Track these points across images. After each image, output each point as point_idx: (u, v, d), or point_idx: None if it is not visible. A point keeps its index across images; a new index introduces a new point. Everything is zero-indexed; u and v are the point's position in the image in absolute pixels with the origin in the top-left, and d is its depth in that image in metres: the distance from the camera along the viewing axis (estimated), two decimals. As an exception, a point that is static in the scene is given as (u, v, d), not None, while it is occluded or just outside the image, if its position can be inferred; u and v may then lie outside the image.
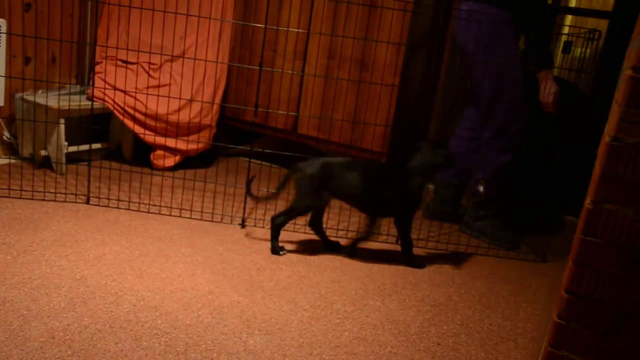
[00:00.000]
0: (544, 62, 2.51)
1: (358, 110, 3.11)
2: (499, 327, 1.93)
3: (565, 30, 3.97)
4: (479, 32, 2.48)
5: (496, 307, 2.09)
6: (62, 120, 2.74)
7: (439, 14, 3.51)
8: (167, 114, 2.99)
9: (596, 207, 1.22)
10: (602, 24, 3.37)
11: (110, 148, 3.21)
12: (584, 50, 3.00)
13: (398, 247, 2.52)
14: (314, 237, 2.48)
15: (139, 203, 2.56)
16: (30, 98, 2.78)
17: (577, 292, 1.27)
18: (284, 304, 1.87)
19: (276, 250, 2.26)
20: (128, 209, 2.49)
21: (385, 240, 2.58)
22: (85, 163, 2.96)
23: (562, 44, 3.25)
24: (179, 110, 3.02)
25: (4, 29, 2.67)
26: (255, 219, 2.61)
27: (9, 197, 2.42)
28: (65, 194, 2.55)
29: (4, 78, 2.72)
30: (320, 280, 2.08)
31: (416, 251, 2.51)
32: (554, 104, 2.53)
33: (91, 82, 3.03)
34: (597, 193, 1.21)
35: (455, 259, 2.50)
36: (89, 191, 2.58)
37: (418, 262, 2.35)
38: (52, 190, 2.56)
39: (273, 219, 2.29)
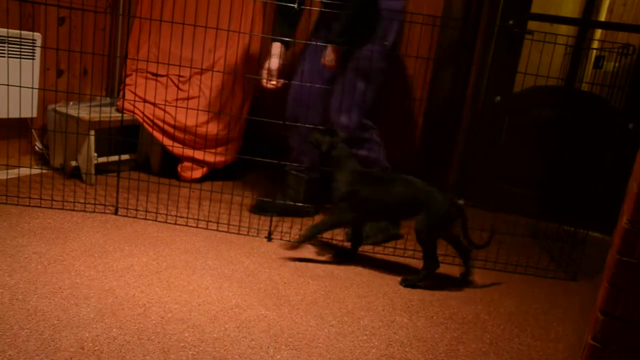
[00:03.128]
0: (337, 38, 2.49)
1: (386, 124, 3.09)
2: (529, 348, 1.89)
3: (595, 44, 3.92)
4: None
5: (526, 326, 2.05)
6: (92, 132, 2.78)
7: (467, 28, 3.51)
8: (196, 126, 3.02)
9: (633, 226, 1.19)
10: (633, 38, 3.32)
11: (139, 159, 3.25)
12: (616, 65, 2.95)
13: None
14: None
15: (167, 215, 2.58)
16: (62, 109, 2.84)
17: (612, 313, 1.23)
18: (310, 318, 1.86)
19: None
20: (155, 221, 2.51)
21: (412, 255, 2.55)
22: (114, 174, 3.00)
23: (593, 59, 3.21)
24: (207, 122, 3.05)
25: (39, 43, 2.73)
26: (281, 232, 2.61)
27: (40, 206, 2.46)
28: (95, 204, 2.59)
29: (37, 90, 2.78)
30: (347, 296, 2.07)
31: (442, 266, 2.48)
32: (329, 62, 2.48)
33: (121, 94, 3.07)
34: (635, 212, 1.19)
35: (483, 275, 2.46)
36: (117, 202, 2.61)
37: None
38: (82, 201, 2.59)
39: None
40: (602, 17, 4.20)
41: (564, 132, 3.33)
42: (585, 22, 3.45)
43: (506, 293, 2.31)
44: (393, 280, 2.26)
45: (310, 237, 2.31)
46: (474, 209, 3.53)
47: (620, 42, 2.80)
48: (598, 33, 4.14)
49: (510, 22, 3.41)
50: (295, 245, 2.41)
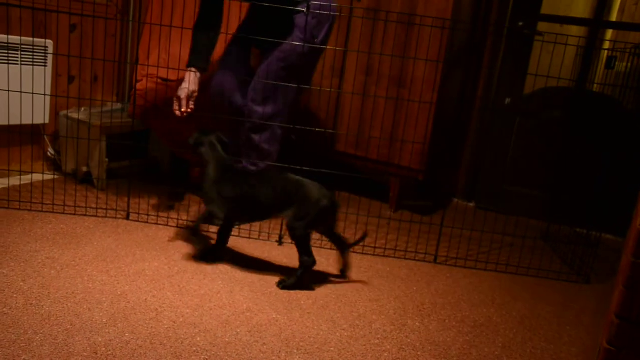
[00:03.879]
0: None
1: (395, 127, 3.09)
2: (542, 351, 1.88)
3: (606, 45, 3.89)
4: None
5: (539, 330, 2.03)
6: (103, 137, 2.80)
7: (476, 30, 3.50)
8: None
9: (648, 229, 1.18)
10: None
11: (149, 164, 3.26)
12: (628, 65, 2.93)
13: (436, 266, 2.49)
14: (351, 253, 2.47)
15: (178, 219, 2.59)
16: (74, 115, 2.86)
17: (628, 317, 1.22)
18: (322, 322, 1.86)
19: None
20: (167, 225, 2.52)
21: (424, 259, 2.55)
22: (125, 179, 3.02)
23: (604, 59, 3.19)
24: (217, 127, 3.05)
25: (51, 50, 2.75)
26: (292, 236, 2.61)
27: (52, 212, 2.48)
28: (106, 209, 2.60)
29: (49, 97, 2.80)
30: (359, 299, 2.07)
31: (453, 269, 2.48)
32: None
33: (132, 99, 3.09)
34: (650, 214, 1.18)
35: (495, 278, 2.45)
36: (128, 207, 2.62)
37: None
38: (94, 206, 2.61)
39: None
40: (614, 17, 4.17)
41: (575, 133, 3.31)
42: (597, 22, 3.43)
43: (518, 296, 2.30)
44: (404, 284, 2.26)
45: (195, 230, 2.35)
46: (485, 212, 3.52)
47: (633, 42, 2.78)
48: (609, 33, 4.11)
49: (520, 23, 3.40)
50: (194, 232, 2.40)
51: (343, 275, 2.27)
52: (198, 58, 2.45)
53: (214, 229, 2.46)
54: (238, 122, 2.63)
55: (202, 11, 2.49)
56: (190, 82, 2.42)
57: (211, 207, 2.18)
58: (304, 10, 2.46)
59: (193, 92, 2.42)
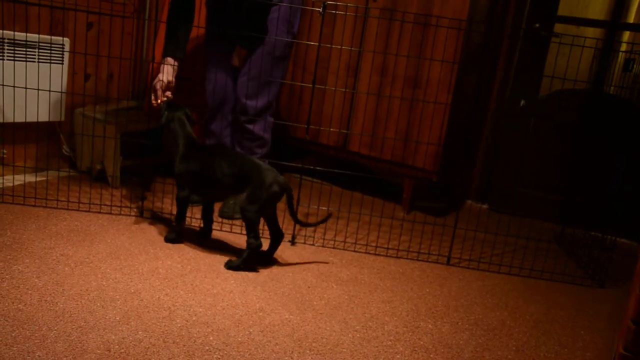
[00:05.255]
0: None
1: (410, 128, 3.08)
2: (556, 355, 1.86)
3: (624, 47, 3.85)
4: None
5: (552, 334, 2.02)
6: (118, 135, 2.82)
7: (492, 31, 3.47)
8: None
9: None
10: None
11: (163, 162, 3.28)
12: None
13: (449, 268, 2.48)
14: (364, 254, 2.46)
15: (190, 217, 2.60)
16: (89, 113, 2.88)
17: (645, 323, 1.21)
18: (335, 323, 1.85)
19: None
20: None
21: (436, 260, 2.54)
22: (139, 176, 3.03)
23: (621, 62, 3.15)
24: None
25: (67, 47, 2.77)
26: (305, 236, 2.61)
27: (67, 209, 2.50)
28: (120, 207, 2.62)
29: (65, 94, 2.82)
30: (371, 300, 2.06)
31: (466, 271, 2.46)
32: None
33: (146, 97, 3.10)
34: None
35: (508, 281, 2.43)
36: (142, 205, 2.63)
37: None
38: (108, 203, 2.62)
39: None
40: (631, 19, 4.13)
41: (590, 136, 3.28)
42: (614, 24, 3.39)
43: (532, 300, 2.28)
44: (417, 285, 2.25)
45: (180, 221, 2.34)
46: (498, 214, 3.50)
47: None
48: (626, 35, 4.07)
49: (537, 24, 3.37)
50: (178, 229, 2.38)
51: (267, 261, 2.29)
52: (174, 48, 2.50)
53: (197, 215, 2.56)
54: (234, 115, 2.74)
55: (175, 1, 2.52)
56: (166, 72, 2.47)
57: (180, 181, 2.28)
58: (279, 3, 2.58)
59: (169, 82, 2.47)
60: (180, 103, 2.40)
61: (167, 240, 2.32)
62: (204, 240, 2.39)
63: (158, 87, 2.45)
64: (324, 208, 2.99)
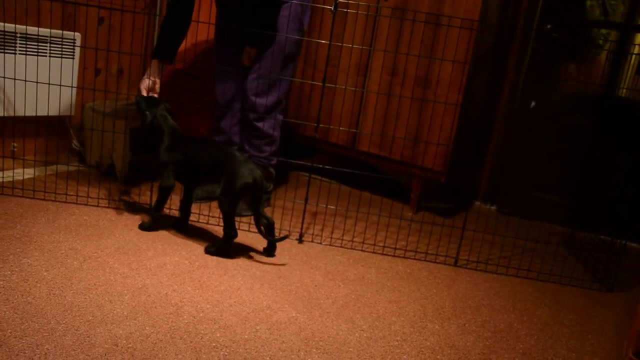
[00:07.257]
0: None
1: (420, 128, 3.07)
2: (563, 359, 1.85)
3: (637, 50, 3.82)
4: None
5: (560, 338, 2.00)
6: (127, 130, 2.82)
7: (504, 33, 3.46)
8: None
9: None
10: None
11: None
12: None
13: (457, 269, 2.47)
14: (371, 254, 2.46)
15: (199, 214, 2.60)
16: (99, 108, 2.88)
17: (656, 329, 1.20)
18: (341, 322, 1.85)
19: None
20: (188, 220, 2.53)
21: (444, 261, 2.53)
22: (148, 172, 3.04)
23: (634, 64, 3.13)
24: (240, 123, 3.06)
25: (78, 42, 2.78)
26: (312, 234, 2.61)
27: (76, 203, 2.51)
28: (128, 202, 2.62)
29: (75, 89, 2.83)
30: (378, 300, 2.06)
31: (473, 273, 2.45)
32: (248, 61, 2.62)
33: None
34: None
35: (516, 284, 2.42)
36: (151, 200, 2.64)
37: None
38: (116, 198, 2.63)
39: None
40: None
41: (601, 139, 3.26)
42: (628, 26, 3.36)
43: (540, 302, 2.27)
44: (424, 286, 2.24)
45: (158, 209, 2.36)
46: (506, 216, 3.49)
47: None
48: (639, 37, 4.04)
49: (548, 26, 3.35)
50: (156, 219, 2.39)
51: (270, 254, 2.31)
52: (163, 50, 2.50)
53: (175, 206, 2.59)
54: (243, 113, 2.76)
55: (173, 2, 2.52)
56: (152, 72, 2.47)
57: (164, 170, 2.31)
58: (290, 0, 2.59)
59: (154, 82, 2.48)
60: (155, 98, 2.42)
61: (142, 227, 2.36)
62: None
63: (143, 86, 2.46)
64: (332, 207, 2.98)
